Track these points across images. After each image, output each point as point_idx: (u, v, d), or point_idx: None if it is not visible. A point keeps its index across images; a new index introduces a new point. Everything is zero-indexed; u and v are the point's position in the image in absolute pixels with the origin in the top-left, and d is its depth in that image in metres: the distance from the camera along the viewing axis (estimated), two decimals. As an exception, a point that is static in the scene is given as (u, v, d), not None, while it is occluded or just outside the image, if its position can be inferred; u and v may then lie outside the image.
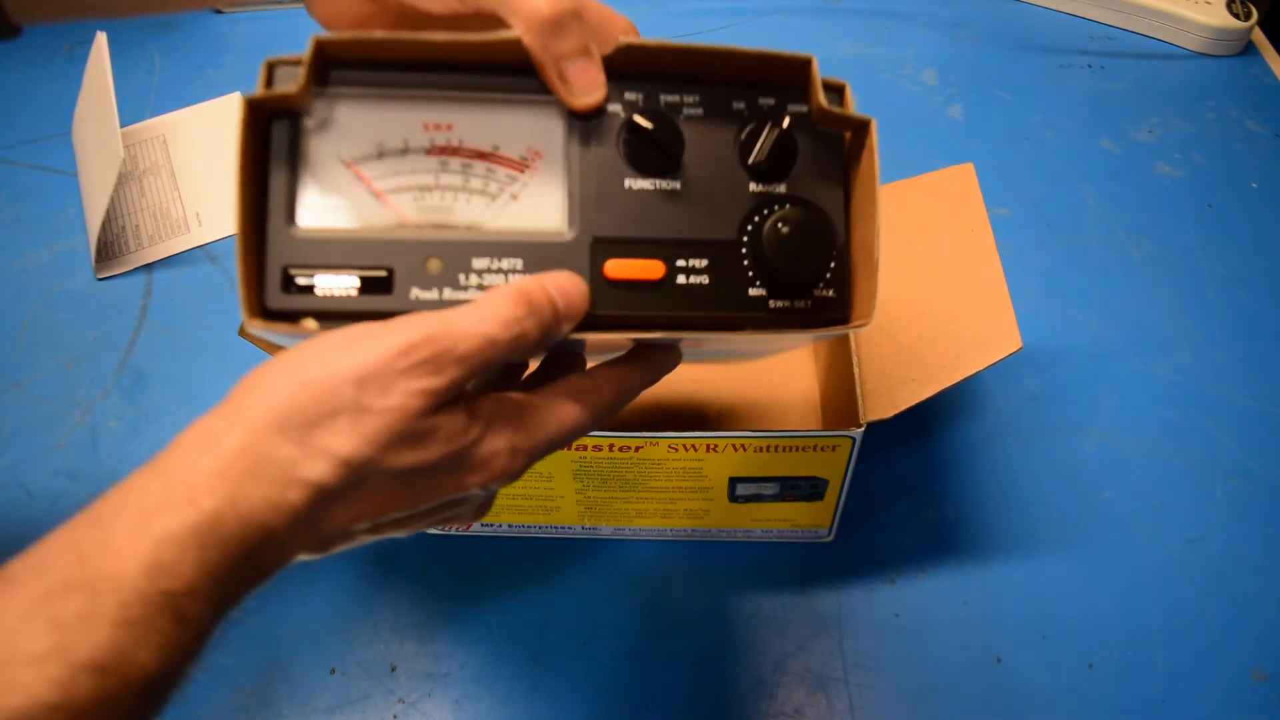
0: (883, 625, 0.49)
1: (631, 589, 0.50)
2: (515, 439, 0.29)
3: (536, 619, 0.49)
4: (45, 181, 0.71)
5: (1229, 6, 0.79)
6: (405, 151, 0.30)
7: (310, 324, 0.29)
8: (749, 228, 0.32)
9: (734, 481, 0.47)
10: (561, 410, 0.31)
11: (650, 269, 0.31)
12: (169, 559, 0.24)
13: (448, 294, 0.30)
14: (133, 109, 0.75)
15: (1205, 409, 0.57)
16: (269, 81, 0.29)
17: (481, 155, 0.31)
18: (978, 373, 0.43)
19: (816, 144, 0.33)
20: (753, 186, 0.32)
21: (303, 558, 0.27)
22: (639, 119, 0.31)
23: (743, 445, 0.45)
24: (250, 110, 0.28)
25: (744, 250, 0.32)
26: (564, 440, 0.31)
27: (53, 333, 0.62)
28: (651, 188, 0.32)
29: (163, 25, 0.85)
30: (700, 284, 0.32)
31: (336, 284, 0.29)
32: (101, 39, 0.67)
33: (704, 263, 0.32)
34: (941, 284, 0.48)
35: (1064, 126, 0.75)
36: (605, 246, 0.31)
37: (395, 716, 0.46)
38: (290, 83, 0.29)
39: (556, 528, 0.51)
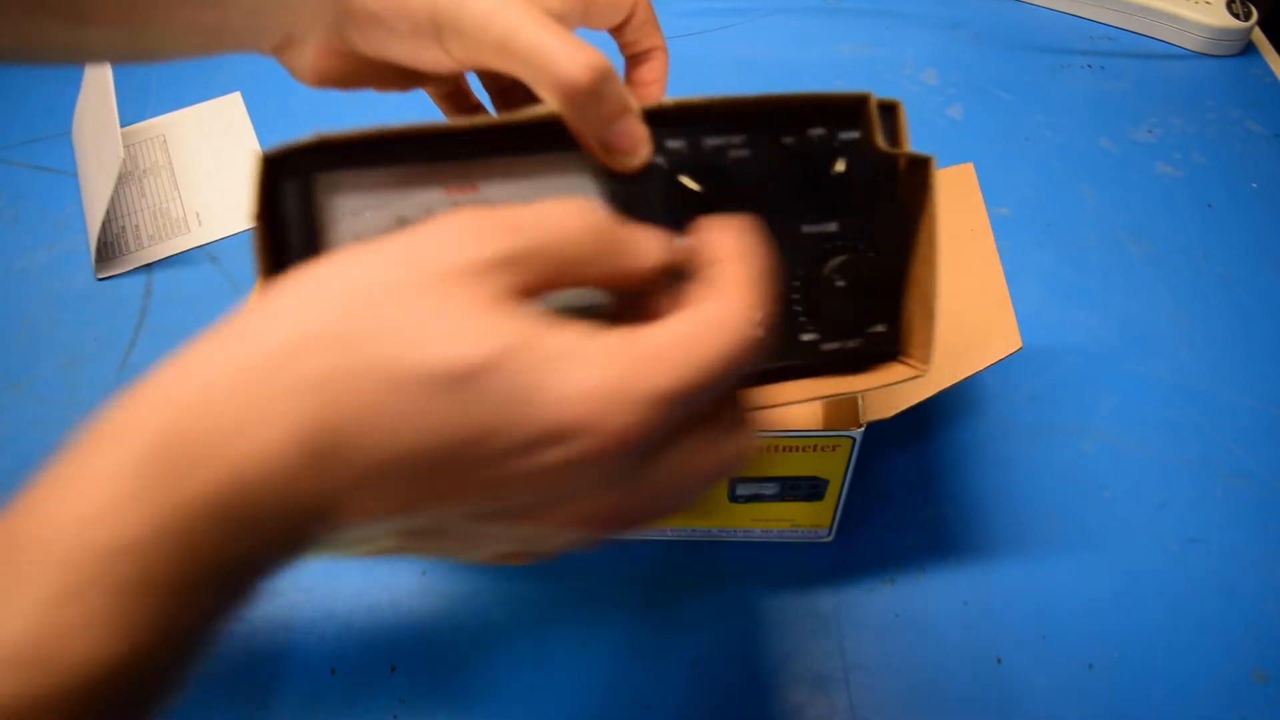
0: (883, 625, 0.49)
1: (631, 589, 0.50)
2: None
3: (536, 619, 0.49)
4: (45, 181, 0.71)
5: (1229, 6, 0.79)
6: (430, 211, 0.28)
7: None
8: (800, 271, 0.30)
9: (734, 481, 0.47)
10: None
11: None
12: (108, 502, 0.19)
13: None
14: (133, 109, 0.75)
15: (1205, 409, 0.57)
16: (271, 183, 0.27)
17: None
18: (978, 373, 0.43)
19: (869, 172, 0.31)
20: (805, 228, 0.30)
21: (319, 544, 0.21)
22: (687, 181, 0.29)
23: (743, 445, 0.45)
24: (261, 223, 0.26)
25: (795, 298, 0.31)
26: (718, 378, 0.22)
27: (53, 333, 0.62)
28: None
29: (163, 25, 0.85)
30: None
31: None
32: (101, 39, 0.67)
33: None
34: (941, 284, 0.48)
35: (1064, 126, 0.75)
36: None
37: (395, 716, 0.46)
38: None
39: (556, 528, 0.51)
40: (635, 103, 0.28)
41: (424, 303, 0.20)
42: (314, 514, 0.20)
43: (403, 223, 0.28)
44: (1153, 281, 0.64)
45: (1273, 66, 0.80)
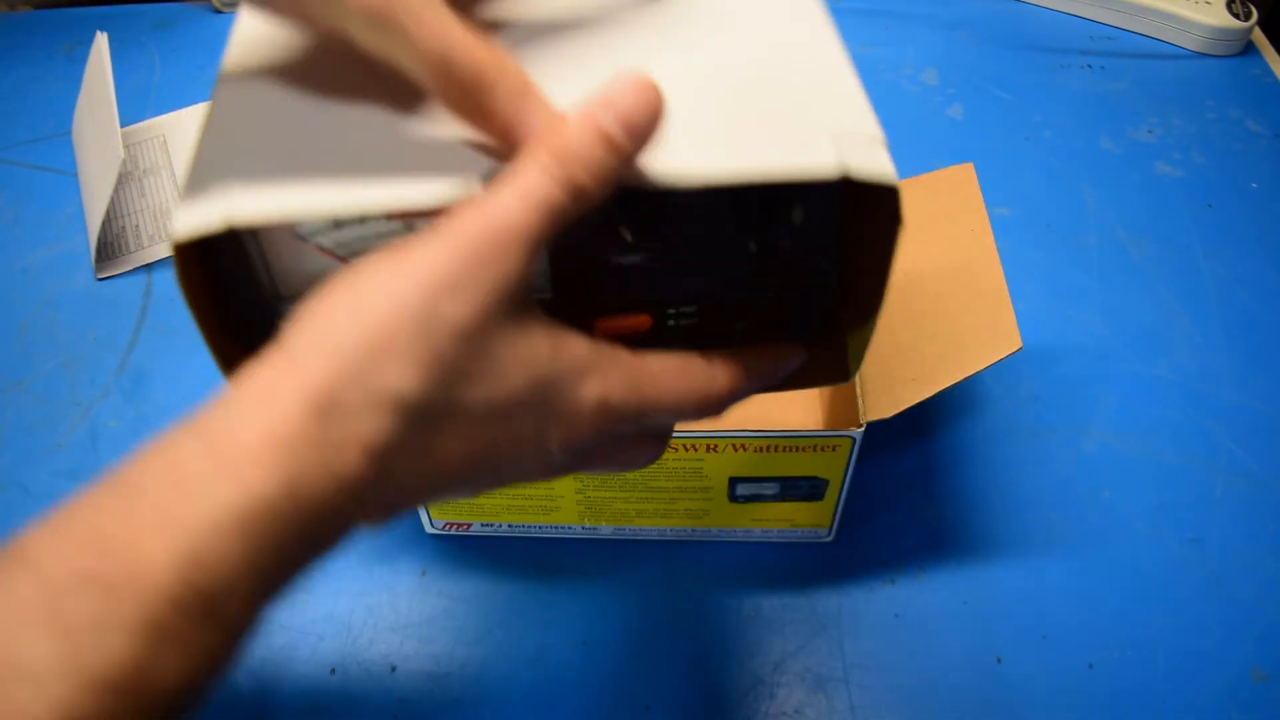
0: (883, 625, 0.49)
1: (631, 589, 0.50)
2: (608, 387, 0.25)
3: (536, 619, 0.49)
4: (45, 181, 0.71)
5: (1229, 6, 0.79)
6: (364, 219, 0.27)
7: None
8: (742, 287, 0.30)
9: (734, 481, 0.47)
10: (670, 375, 0.26)
11: (637, 322, 0.30)
12: (207, 552, 0.20)
13: None
14: (133, 109, 0.75)
15: (1205, 409, 0.57)
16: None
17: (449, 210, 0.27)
18: (978, 373, 0.43)
19: (829, 218, 0.29)
20: (751, 245, 0.29)
21: (363, 527, 0.23)
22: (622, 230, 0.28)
23: (743, 445, 0.45)
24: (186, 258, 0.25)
25: (735, 309, 0.30)
26: (664, 413, 0.27)
27: (53, 333, 0.62)
28: (638, 260, 0.29)
29: (163, 25, 0.85)
30: (690, 325, 0.30)
31: None
32: (101, 39, 0.67)
33: (692, 309, 0.30)
34: (941, 284, 0.48)
35: (1064, 126, 0.75)
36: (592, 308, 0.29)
37: (395, 717, 0.46)
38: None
39: (556, 528, 0.51)
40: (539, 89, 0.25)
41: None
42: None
43: (338, 221, 0.27)
44: (1153, 281, 0.64)
45: (1273, 66, 0.80)
